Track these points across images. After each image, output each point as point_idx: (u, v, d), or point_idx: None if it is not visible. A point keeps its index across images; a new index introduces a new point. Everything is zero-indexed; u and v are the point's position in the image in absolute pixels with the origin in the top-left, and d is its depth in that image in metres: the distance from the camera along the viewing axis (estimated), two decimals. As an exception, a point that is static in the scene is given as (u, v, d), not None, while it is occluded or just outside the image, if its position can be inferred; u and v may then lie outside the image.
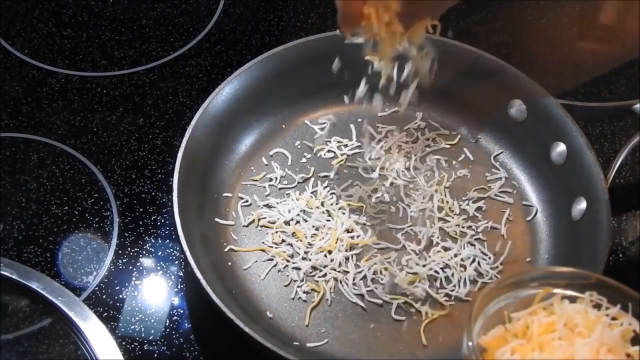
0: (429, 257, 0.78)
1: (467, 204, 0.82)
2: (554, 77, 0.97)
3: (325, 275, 0.77)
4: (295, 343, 0.73)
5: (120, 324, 0.76)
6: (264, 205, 0.81)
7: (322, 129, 0.87)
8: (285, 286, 0.77)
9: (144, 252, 0.81)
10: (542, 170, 0.83)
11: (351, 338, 0.74)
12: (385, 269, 0.76)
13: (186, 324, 0.77)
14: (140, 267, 0.80)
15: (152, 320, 0.76)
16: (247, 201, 0.82)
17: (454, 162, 0.86)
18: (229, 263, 0.78)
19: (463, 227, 0.80)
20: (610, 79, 0.98)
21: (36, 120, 0.90)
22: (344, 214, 0.80)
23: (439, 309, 0.75)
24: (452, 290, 0.76)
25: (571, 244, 0.78)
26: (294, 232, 0.79)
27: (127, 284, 0.78)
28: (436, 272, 0.77)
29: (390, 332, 0.74)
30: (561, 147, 0.81)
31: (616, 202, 0.76)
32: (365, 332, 0.75)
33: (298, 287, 0.76)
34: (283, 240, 0.79)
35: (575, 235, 0.78)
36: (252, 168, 0.84)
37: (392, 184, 0.83)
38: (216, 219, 0.80)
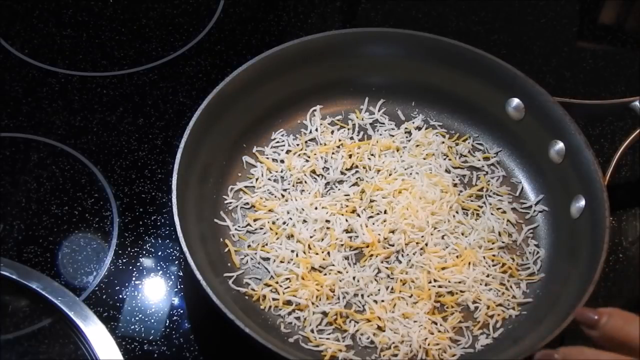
0: (427, 258, 0.78)
1: (465, 203, 0.82)
2: (554, 76, 0.97)
3: (325, 275, 0.77)
4: (294, 343, 0.74)
5: (120, 324, 0.76)
6: (263, 206, 0.81)
7: (320, 129, 0.87)
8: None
9: (144, 252, 0.81)
10: (541, 169, 0.83)
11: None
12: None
13: (186, 324, 0.77)
14: (140, 267, 0.80)
15: (152, 320, 0.77)
16: (246, 202, 0.82)
17: (452, 161, 0.86)
18: (229, 264, 0.78)
19: (461, 227, 0.81)
20: (610, 79, 0.98)
21: (36, 120, 0.90)
22: (342, 214, 0.80)
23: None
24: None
25: (570, 242, 0.78)
26: (292, 233, 0.79)
27: (127, 284, 0.79)
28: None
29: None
30: (559, 145, 0.81)
31: (615, 201, 0.76)
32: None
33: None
34: (282, 241, 0.79)
35: (574, 234, 0.78)
36: (251, 169, 0.84)
37: (390, 183, 0.83)
38: (215, 220, 0.80)
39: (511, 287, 0.78)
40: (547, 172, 0.83)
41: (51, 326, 0.74)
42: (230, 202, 0.82)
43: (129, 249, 0.81)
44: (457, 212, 0.82)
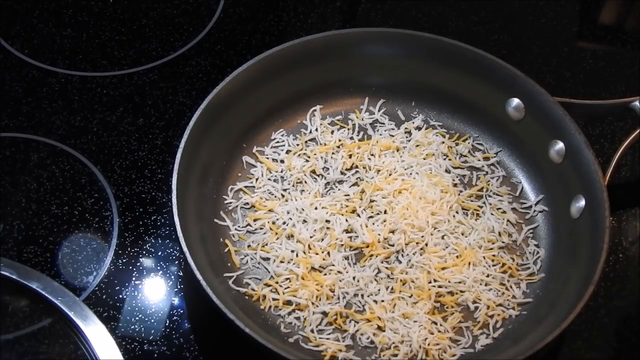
0: (427, 258, 0.78)
1: (465, 203, 0.82)
2: (554, 76, 0.97)
3: (325, 275, 0.77)
4: (294, 343, 0.74)
5: (120, 324, 0.76)
6: (263, 206, 0.81)
7: (320, 129, 0.87)
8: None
9: (144, 252, 0.81)
10: (541, 169, 0.83)
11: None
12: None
13: (186, 324, 0.77)
14: (140, 267, 0.80)
15: (152, 320, 0.77)
16: (246, 202, 0.82)
17: (452, 161, 0.86)
18: (229, 264, 0.78)
19: (461, 227, 0.81)
20: (610, 79, 0.98)
21: (36, 120, 0.90)
22: (342, 214, 0.80)
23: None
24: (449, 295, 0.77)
25: (570, 242, 0.78)
26: (292, 233, 0.79)
27: (127, 284, 0.79)
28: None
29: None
30: (559, 145, 0.81)
31: (615, 201, 0.76)
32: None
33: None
34: (282, 241, 0.79)
35: (574, 234, 0.78)
36: (251, 169, 0.84)
37: (390, 184, 0.83)
38: (215, 220, 0.80)
39: (511, 287, 0.78)
40: (547, 172, 0.83)
41: (51, 326, 0.74)
42: (230, 202, 0.82)
43: (129, 249, 0.81)
44: (457, 212, 0.82)
